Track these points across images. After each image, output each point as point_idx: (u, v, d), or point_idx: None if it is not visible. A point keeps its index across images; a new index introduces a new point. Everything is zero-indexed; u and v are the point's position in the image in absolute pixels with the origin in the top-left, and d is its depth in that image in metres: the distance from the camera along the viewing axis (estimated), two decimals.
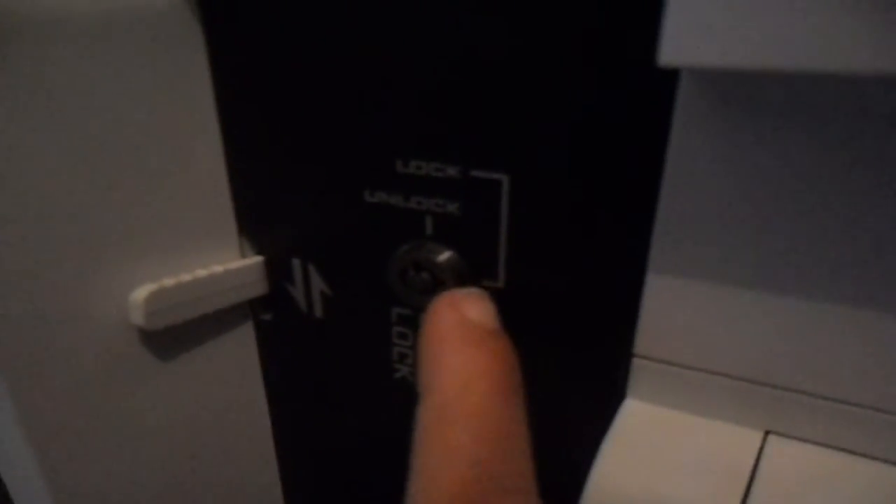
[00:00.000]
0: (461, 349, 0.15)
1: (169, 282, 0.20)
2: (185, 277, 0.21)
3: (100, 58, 0.17)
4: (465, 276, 0.19)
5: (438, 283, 0.19)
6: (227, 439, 0.25)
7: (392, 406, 0.23)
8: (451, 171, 0.18)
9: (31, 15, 0.16)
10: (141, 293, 0.19)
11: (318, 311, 0.23)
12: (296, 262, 0.22)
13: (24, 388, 0.18)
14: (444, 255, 0.19)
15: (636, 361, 0.18)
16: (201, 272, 0.21)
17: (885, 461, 0.17)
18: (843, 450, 0.17)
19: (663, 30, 0.12)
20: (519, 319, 0.18)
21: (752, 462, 0.17)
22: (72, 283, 0.18)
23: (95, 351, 0.19)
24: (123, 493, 0.22)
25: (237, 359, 0.25)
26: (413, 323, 0.21)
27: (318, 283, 0.22)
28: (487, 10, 0.16)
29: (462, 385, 0.14)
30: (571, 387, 0.20)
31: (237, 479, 0.26)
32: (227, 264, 0.22)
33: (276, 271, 0.23)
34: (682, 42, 0.12)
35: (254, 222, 0.22)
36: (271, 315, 0.24)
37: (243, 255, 0.23)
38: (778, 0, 0.11)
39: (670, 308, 0.17)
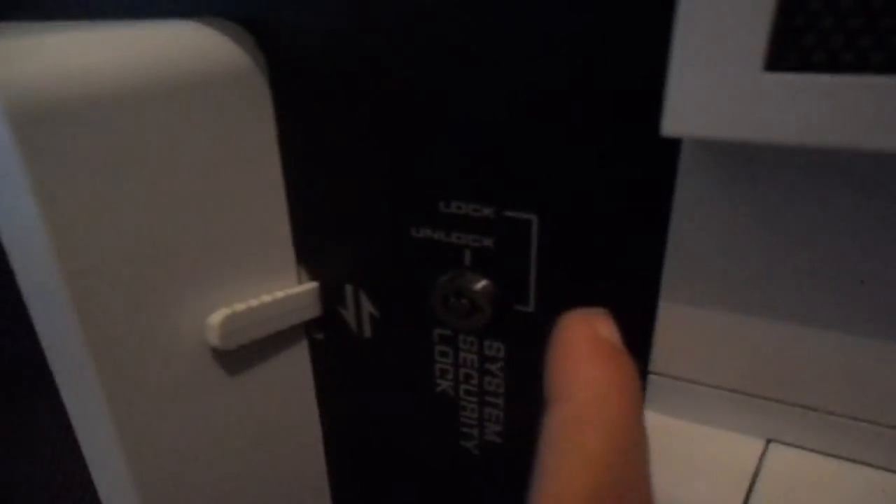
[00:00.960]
0: (597, 362, 0.16)
1: (240, 307, 0.23)
2: (253, 303, 0.24)
3: (187, 118, 0.20)
4: (499, 302, 0.22)
5: (476, 308, 0.22)
6: (283, 444, 0.28)
7: (433, 417, 0.26)
8: (487, 212, 0.21)
9: (134, 87, 0.19)
10: (217, 317, 0.22)
11: (367, 332, 0.26)
12: (348, 288, 0.25)
13: (117, 396, 0.21)
14: (481, 284, 0.22)
15: (651, 378, 0.21)
16: (266, 297, 0.24)
17: (878, 468, 0.19)
18: (839, 457, 0.20)
19: (665, 106, 0.14)
20: (548, 340, 0.20)
21: (754, 466, 0.19)
22: (160, 309, 0.21)
23: (177, 367, 0.22)
24: (193, 485, 0.24)
25: (293, 374, 0.27)
26: (453, 342, 0.24)
27: (367, 307, 0.25)
28: (519, 81, 0.18)
29: (599, 395, 0.15)
30: None
31: (291, 478, 0.29)
32: (286, 290, 0.25)
33: (330, 296, 0.26)
34: (680, 117, 0.14)
35: (310, 252, 0.25)
36: (323, 335, 0.27)
37: (300, 282, 0.26)
38: (759, 81, 0.13)
39: (680, 331, 0.20)
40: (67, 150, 0.18)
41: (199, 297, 0.22)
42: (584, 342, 0.16)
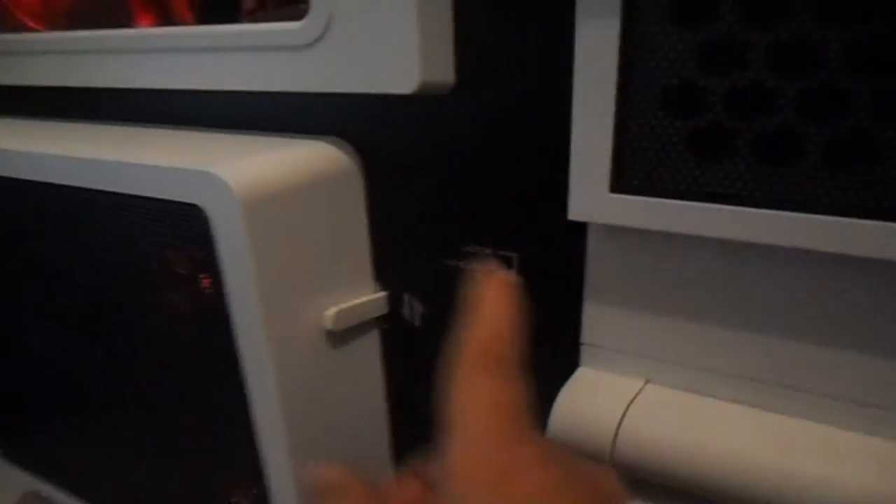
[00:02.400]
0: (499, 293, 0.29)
1: (343, 305, 0.39)
2: (350, 303, 0.39)
3: (321, 200, 0.36)
4: None
5: None
6: (360, 392, 0.44)
7: None
8: (488, 251, 0.36)
9: (273, 189, 0.35)
10: (332, 310, 0.38)
11: (417, 322, 0.41)
12: (406, 296, 0.41)
13: (279, 356, 0.37)
14: None
15: (583, 347, 0.36)
16: (356, 300, 0.40)
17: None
18: (699, 393, 0.35)
19: (569, 198, 0.30)
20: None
21: (635, 394, 0.34)
22: (303, 308, 0.37)
23: (308, 338, 0.38)
24: (313, 418, 0.40)
25: (369, 350, 0.43)
26: None
27: (417, 308, 0.41)
28: (502, 184, 0.34)
29: (493, 306, 0.28)
30: (550, 362, 0.37)
31: (360, 418, 0.45)
32: (368, 296, 0.41)
33: (394, 300, 0.42)
34: (577, 209, 0.30)
35: (383, 274, 0.41)
36: (389, 325, 0.43)
37: (376, 291, 0.42)
38: (607, 197, 0.29)
39: (602, 319, 0.35)
40: (265, 221, 0.34)
41: (322, 300, 0.38)
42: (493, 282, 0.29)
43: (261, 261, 0.34)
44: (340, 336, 0.40)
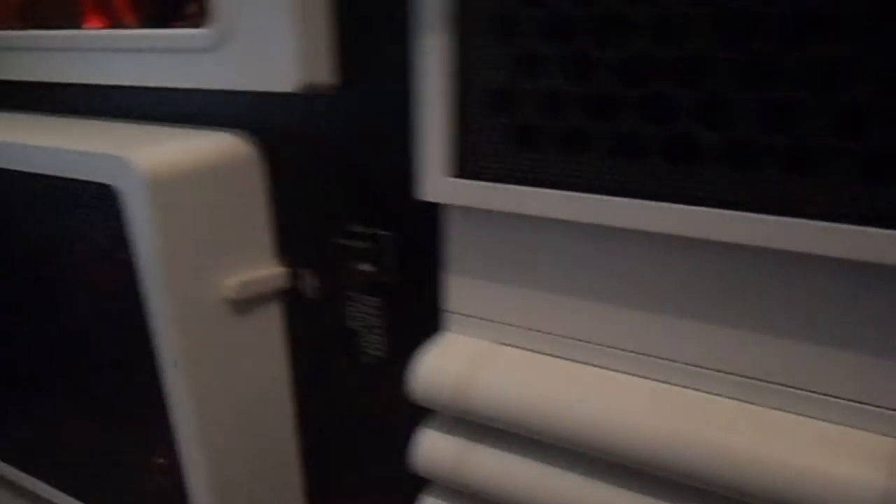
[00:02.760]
0: None
1: (246, 277, 0.44)
2: (253, 275, 0.45)
3: (226, 182, 0.42)
4: (376, 276, 0.43)
5: (364, 278, 0.43)
6: (263, 350, 0.49)
7: (345, 340, 0.47)
8: (368, 231, 0.42)
9: (177, 172, 0.41)
10: (233, 281, 0.44)
11: (310, 294, 0.47)
12: (302, 271, 0.46)
13: (183, 321, 0.42)
14: (366, 266, 0.43)
15: (445, 314, 0.42)
16: (260, 273, 0.45)
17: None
18: (542, 353, 0.41)
19: (418, 182, 0.36)
20: (400, 296, 0.42)
21: (483, 353, 0.40)
22: (206, 278, 0.43)
23: (211, 306, 0.44)
24: (218, 381, 0.46)
25: (271, 317, 0.48)
26: (354, 299, 0.45)
27: (311, 282, 0.46)
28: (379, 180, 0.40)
29: None
30: (420, 326, 0.43)
31: (264, 389, 0.50)
32: (269, 270, 0.46)
33: (292, 275, 0.47)
34: (425, 191, 0.36)
35: (283, 252, 0.47)
36: (288, 296, 0.48)
37: (276, 267, 0.47)
38: (447, 181, 0.35)
39: (454, 288, 0.41)
40: (169, 200, 0.39)
41: (225, 272, 0.44)
42: None
43: (165, 234, 0.40)
44: (242, 305, 0.46)
